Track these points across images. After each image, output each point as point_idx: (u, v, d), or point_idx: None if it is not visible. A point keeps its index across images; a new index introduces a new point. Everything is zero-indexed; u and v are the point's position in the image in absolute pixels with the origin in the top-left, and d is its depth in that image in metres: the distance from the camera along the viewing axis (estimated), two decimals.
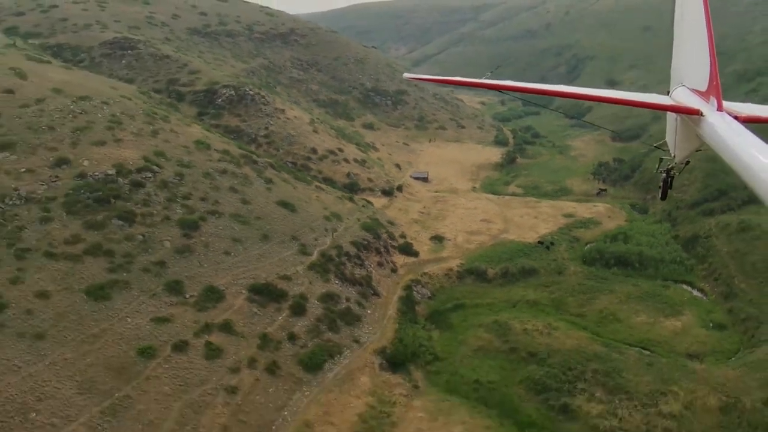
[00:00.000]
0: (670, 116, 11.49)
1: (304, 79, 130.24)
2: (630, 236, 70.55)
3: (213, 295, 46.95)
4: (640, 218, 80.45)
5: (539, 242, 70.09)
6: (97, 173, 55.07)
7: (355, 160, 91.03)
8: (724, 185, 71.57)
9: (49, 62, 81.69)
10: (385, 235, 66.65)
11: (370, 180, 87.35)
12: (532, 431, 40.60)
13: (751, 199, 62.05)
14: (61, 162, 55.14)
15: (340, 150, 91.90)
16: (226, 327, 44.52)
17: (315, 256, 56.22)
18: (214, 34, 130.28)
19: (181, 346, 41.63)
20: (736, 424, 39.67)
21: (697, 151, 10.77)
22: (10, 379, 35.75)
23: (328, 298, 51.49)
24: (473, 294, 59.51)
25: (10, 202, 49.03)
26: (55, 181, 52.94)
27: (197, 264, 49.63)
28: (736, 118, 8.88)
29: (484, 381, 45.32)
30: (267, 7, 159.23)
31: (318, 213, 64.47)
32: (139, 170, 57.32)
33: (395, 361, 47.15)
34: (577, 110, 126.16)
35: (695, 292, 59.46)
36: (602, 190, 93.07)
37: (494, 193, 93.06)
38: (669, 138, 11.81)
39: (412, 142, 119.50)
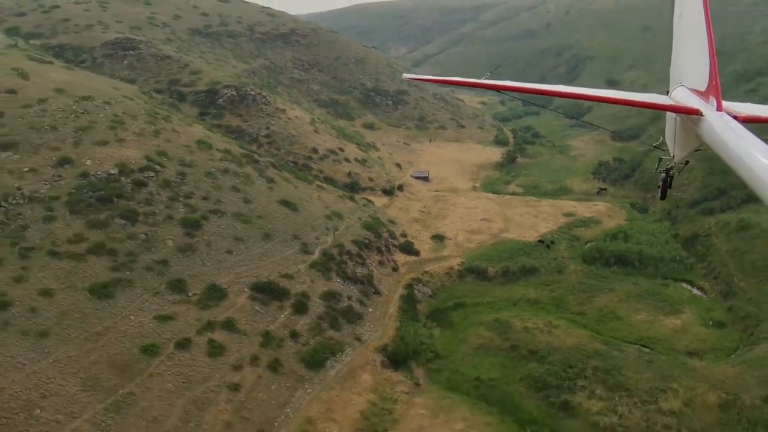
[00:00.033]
0: (670, 116, 11.51)
1: (304, 79, 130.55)
2: (630, 235, 70.80)
3: (215, 294, 47.26)
4: (640, 217, 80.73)
5: (539, 241, 70.38)
6: (99, 173, 55.37)
7: (356, 160, 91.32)
8: (723, 184, 71.80)
9: (51, 62, 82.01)
10: (386, 234, 66.95)
11: (370, 179, 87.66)
12: (532, 428, 40.78)
13: (750, 197, 62.26)
14: (64, 161, 55.43)
15: (341, 150, 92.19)
16: (229, 325, 44.82)
17: (317, 255, 56.55)
18: (216, 35, 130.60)
19: (184, 344, 41.91)
20: (736, 420, 39.87)
21: (696, 151, 10.78)
22: (15, 376, 35.98)
23: (330, 296, 51.80)
24: (474, 292, 59.78)
25: (14, 202, 49.30)
26: (58, 180, 53.21)
27: (200, 263, 49.95)
28: (735, 117, 8.88)
29: (485, 378, 45.57)
30: (268, 8, 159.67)
31: (319, 212, 64.78)
32: (142, 170, 57.63)
33: (396, 358, 47.41)
34: (577, 110, 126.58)
35: (695, 291, 59.69)
36: (602, 189, 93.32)
37: (494, 192, 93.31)
38: (668, 138, 11.81)
39: (413, 141, 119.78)
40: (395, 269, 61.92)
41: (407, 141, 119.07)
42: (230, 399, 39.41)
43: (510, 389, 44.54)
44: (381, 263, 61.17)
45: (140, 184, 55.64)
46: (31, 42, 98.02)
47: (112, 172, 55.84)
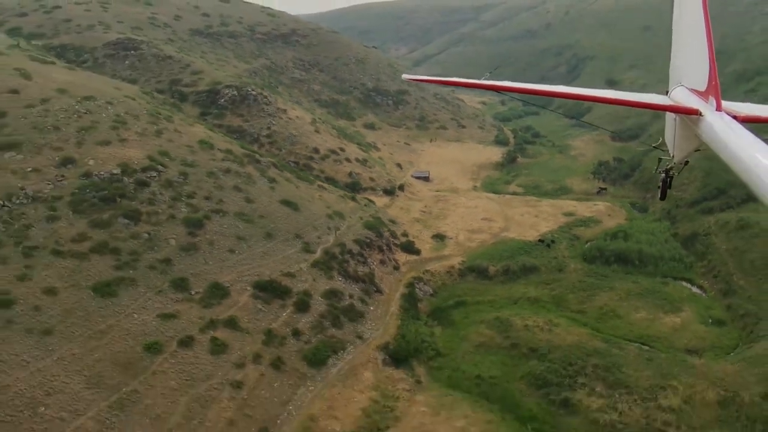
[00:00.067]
0: (669, 116, 11.48)
1: (305, 79, 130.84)
2: (630, 234, 71.03)
3: (218, 292, 47.57)
4: (639, 217, 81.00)
5: (540, 240, 70.67)
6: (102, 172, 55.64)
7: (357, 160, 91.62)
8: (723, 184, 72.04)
9: (53, 63, 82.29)
10: (387, 234, 67.27)
11: (371, 179, 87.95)
12: (533, 425, 41.09)
13: (749, 197, 62.56)
14: (67, 161, 55.72)
15: (342, 150, 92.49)
16: (231, 323, 45.13)
17: (318, 254, 56.88)
18: (216, 35, 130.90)
19: (186, 342, 42.23)
20: (735, 417, 40.17)
21: (696, 151, 10.75)
22: (19, 374, 36.24)
23: (332, 294, 52.12)
24: (475, 291, 60.09)
25: (17, 201, 49.59)
26: (61, 180, 53.50)
27: (202, 261, 50.27)
28: (735, 118, 8.87)
29: (486, 376, 45.88)
30: (268, 8, 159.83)
31: (321, 212, 65.11)
32: (144, 169, 57.91)
33: (398, 356, 47.73)
34: (577, 110, 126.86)
35: (694, 289, 59.97)
36: (602, 189, 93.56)
37: (495, 192, 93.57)
38: (668, 138, 11.78)
39: (413, 141, 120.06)
40: (396, 268, 62.25)
41: (408, 141, 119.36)
42: (233, 396, 39.72)
43: (511, 387, 44.85)
44: (382, 262, 61.49)
45: (143, 184, 55.93)
46: (33, 42, 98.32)
47: (115, 172, 56.13)
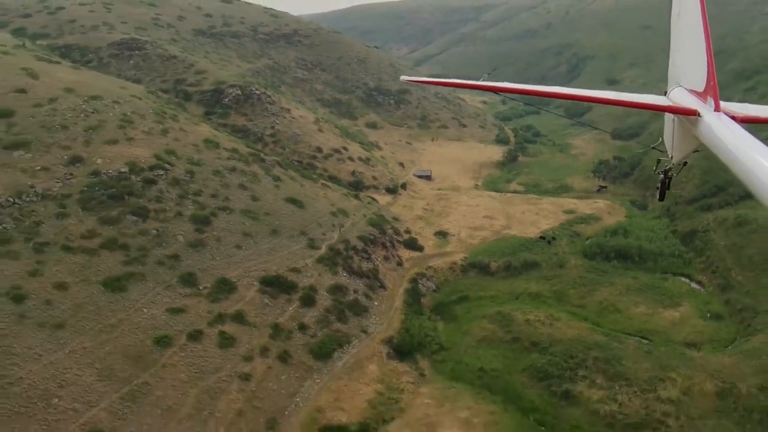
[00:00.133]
0: (668, 117, 11.46)
1: (308, 78, 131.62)
2: (630, 231, 71.86)
3: (225, 287, 48.50)
4: (639, 214, 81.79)
5: (541, 237, 71.42)
6: (110, 171, 56.51)
7: (360, 159, 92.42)
8: (722, 181, 72.74)
9: (58, 62, 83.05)
10: (390, 231, 68.13)
11: (374, 178, 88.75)
12: (535, 416, 41.98)
13: (748, 194, 62.92)
14: (75, 160, 56.59)
15: (345, 149, 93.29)
16: (239, 317, 46.04)
17: (323, 250, 57.76)
18: (219, 35, 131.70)
19: (195, 336, 43.13)
20: (732, 408, 41.01)
21: (694, 152, 10.75)
22: (32, 366, 37.08)
23: (337, 289, 53.02)
24: (477, 287, 60.90)
25: (27, 199, 50.43)
26: (70, 178, 54.35)
27: (210, 257, 51.17)
28: (733, 118, 8.84)
29: (488, 369, 46.67)
30: (270, 9, 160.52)
31: (325, 209, 65.99)
32: (151, 168, 58.80)
33: (402, 350, 48.60)
34: (578, 109, 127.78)
35: (693, 284, 60.76)
36: (602, 187, 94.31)
37: (496, 190, 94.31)
38: (666, 139, 11.76)
39: (415, 141, 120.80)
40: (400, 264, 63.13)
41: (409, 140, 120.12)
42: (242, 388, 40.61)
43: (513, 379, 45.68)
44: (386, 258, 62.38)
45: (150, 182, 56.83)
46: (38, 42, 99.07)
47: (123, 170, 57.00)
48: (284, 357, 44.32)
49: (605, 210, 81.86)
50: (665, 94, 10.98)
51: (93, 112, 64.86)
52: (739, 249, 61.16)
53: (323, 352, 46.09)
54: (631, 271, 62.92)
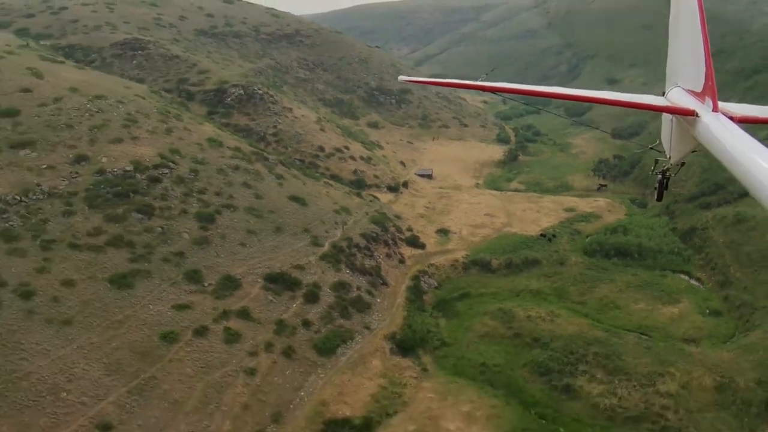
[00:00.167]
0: (666, 117, 11.40)
1: (310, 78, 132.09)
2: (629, 229, 72.53)
3: (230, 284, 49.11)
4: (639, 212, 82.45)
5: (541, 235, 72.00)
6: (115, 169, 57.14)
7: (361, 158, 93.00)
8: (720, 179, 73.22)
9: (62, 62, 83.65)
10: (392, 228, 68.72)
11: (376, 177, 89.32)
12: (536, 409, 42.61)
13: (746, 192, 63.48)
14: (81, 159, 57.21)
15: (347, 148, 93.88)
16: (244, 313, 46.66)
17: (326, 247, 58.37)
18: (221, 35, 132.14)
19: (201, 331, 43.75)
20: (731, 402, 41.67)
21: (692, 152, 10.73)
22: (41, 361, 37.74)
23: (340, 286, 53.62)
24: (478, 284, 61.53)
25: (34, 197, 51.05)
26: (76, 177, 54.97)
27: (214, 254, 51.79)
28: (731, 118, 8.79)
29: (490, 364, 47.33)
30: (272, 9, 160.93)
31: (328, 207, 66.58)
32: (156, 167, 59.41)
33: (405, 346, 49.20)
34: (578, 109, 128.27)
35: (692, 281, 61.44)
36: (602, 185, 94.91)
37: (497, 189, 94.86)
38: (664, 139, 11.68)
39: (416, 140, 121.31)
40: (402, 261, 63.72)
41: (411, 139, 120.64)
42: (247, 383, 41.23)
43: (514, 374, 46.32)
44: (388, 256, 62.97)
45: (155, 181, 57.45)
46: (42, 42, 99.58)
47: (128, 168, 57.62)
48: (288, 352, 44.93)
49: (605, 208, 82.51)
50: (663, 95, 10.94)
51: (98, 112, 65.45)
52: (737, 246, 61.76)
53: (327, 348, 46.68)
54: (631, 268, 63.54)
